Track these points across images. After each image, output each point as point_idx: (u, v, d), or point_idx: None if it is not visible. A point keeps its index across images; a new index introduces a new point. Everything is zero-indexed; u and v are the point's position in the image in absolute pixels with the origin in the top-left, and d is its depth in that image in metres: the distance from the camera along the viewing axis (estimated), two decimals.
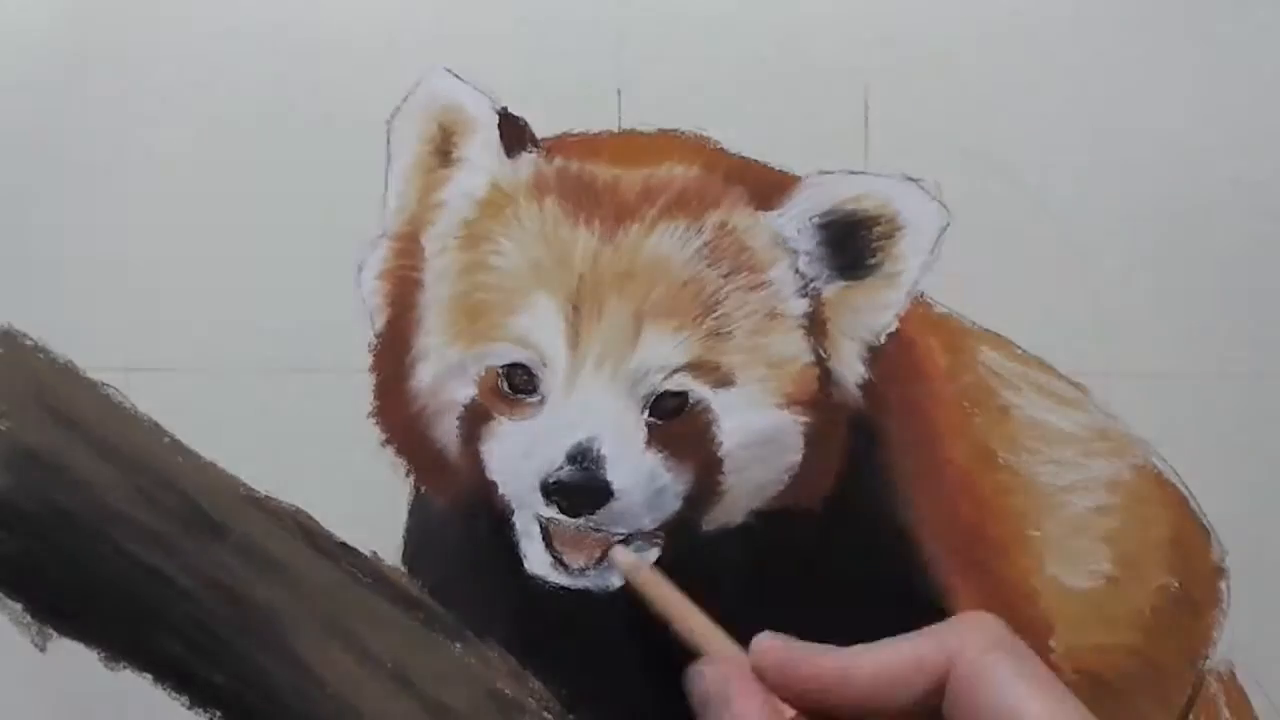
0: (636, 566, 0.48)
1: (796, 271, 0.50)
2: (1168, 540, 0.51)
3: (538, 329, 0.48)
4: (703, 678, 0.43)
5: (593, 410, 0.48)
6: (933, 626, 0.41)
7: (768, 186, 0.50)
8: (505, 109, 0.51)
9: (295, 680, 0.49)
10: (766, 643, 0.43)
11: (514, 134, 0.50)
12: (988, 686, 0.38)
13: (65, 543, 0.49)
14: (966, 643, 0.39)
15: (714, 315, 0.49)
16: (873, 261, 0.50)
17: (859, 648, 0.41)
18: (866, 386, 0.50)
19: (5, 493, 0.49)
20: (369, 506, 0.50)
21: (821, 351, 0.50)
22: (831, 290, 0.50)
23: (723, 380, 0.49)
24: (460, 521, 0.51)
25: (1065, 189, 0.51)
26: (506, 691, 0.49)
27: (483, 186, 0.50)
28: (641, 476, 0.48)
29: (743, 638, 0.45)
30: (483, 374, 0.49)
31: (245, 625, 0.49)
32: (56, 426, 0.50)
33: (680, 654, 0.45)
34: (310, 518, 0.50)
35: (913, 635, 0.41)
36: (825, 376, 0.50)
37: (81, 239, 0.52)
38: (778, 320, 0.50)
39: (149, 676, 0.50)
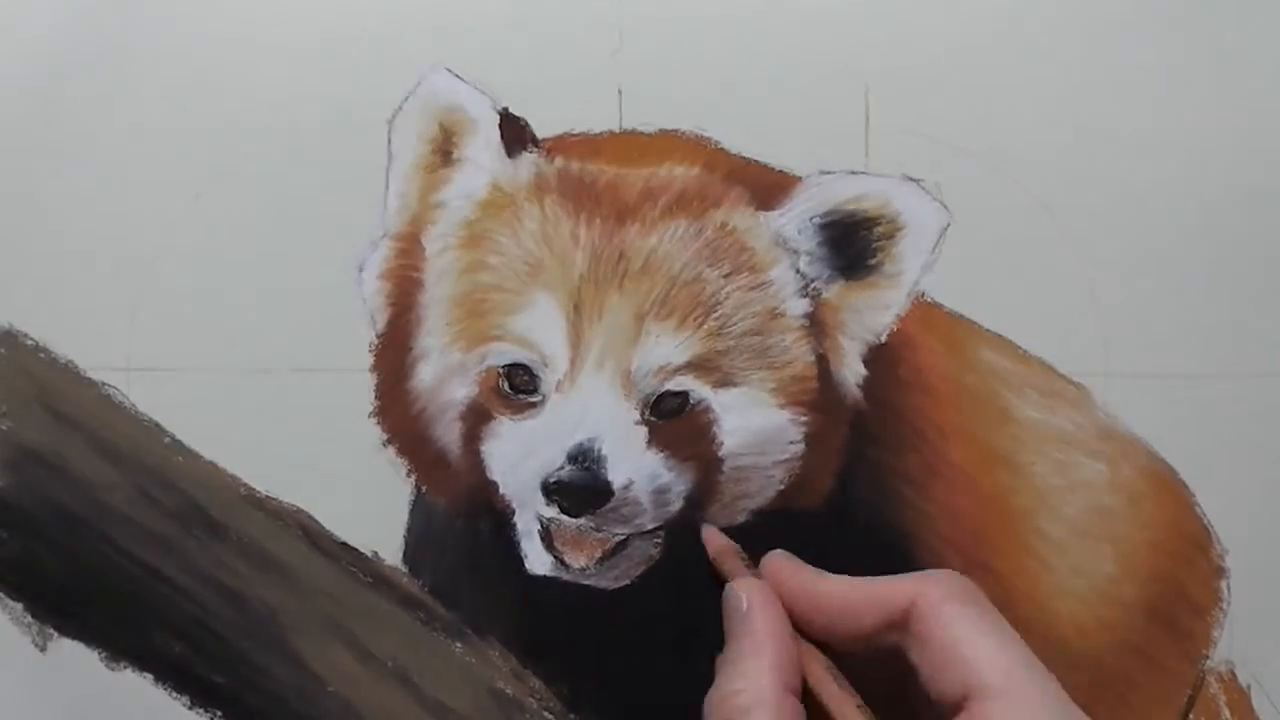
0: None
1: (797, 272, 0.50)
2: (1168, 540, 0.51)
3: (538, 329, 0.48)
4: (731, 593, 0.45)
5: (593, 410, 0.48)
6: (904, 575, 0.44)
7: (768, 187, 0.50)
8: (506, 109, 0.51)
9: (295, 680, 0.49)
10: (771, 558, 0.46)
11: (515, 134, 0.50)
12: (943, 629, 0.41)
13: (65, 543, 0.49)
14: (928, 589, 0.42)
15: (714, 315, 0.49)
16: (873, 262, 0.50)
17: (831, 576, 0.45)
18: (867, 387, 0.50)
19: (5, 493, 0.49)
20: (369, 506, 0.50)
21: (822, 352, 0.50)
22: (832, 290, 0.50)
23: (723, 380, 0.49)
24: (461, 521, 0.51)
25: (1065, 189, 0.51)
26: (507, 690, 0.49)
27: (483, 187, 0.51)
28: (642, 476, 0.48)
29: None
30: (483, 374, 0.49)
31: (245, 625, 0.49)
32: (57, 426, 0.50)
33: (681, 653, 0.45)
34: (311, 517, 0.50)
35: (883, 578, 0.44)
36: (826, 377, 0.50)
37: (81, 239, 0.52)
38: (778, 320, 0.50)
39: (149, 676, 0.50)
